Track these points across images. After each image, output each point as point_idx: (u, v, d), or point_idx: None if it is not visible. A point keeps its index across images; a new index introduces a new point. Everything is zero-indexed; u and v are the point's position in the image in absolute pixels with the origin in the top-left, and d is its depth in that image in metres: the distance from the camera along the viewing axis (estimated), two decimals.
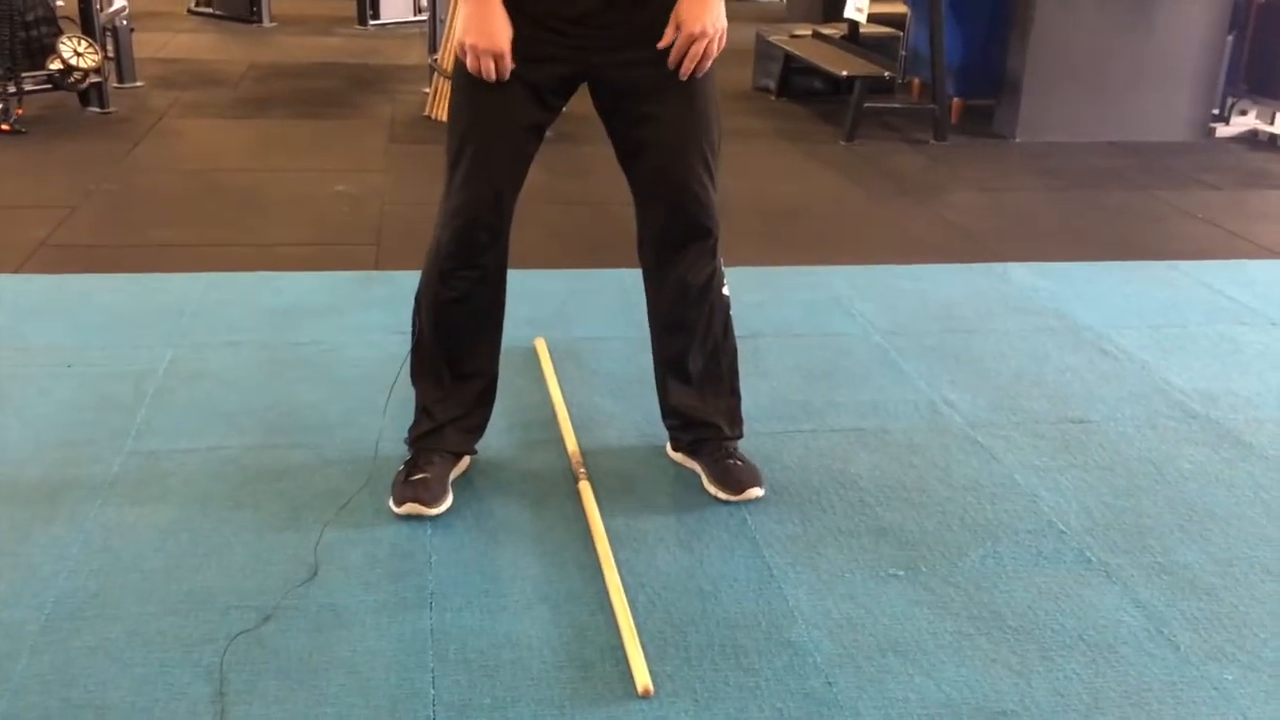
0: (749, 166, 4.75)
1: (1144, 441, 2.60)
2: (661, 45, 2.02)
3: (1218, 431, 2.66)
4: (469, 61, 2.00)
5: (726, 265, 2.29)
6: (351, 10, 7.92)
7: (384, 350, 2.86)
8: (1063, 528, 2.24)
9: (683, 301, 2.23)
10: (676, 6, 2.01)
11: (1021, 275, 3.67)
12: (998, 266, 3.74)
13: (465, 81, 2.07)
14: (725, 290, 2.28)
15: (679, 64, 2.04)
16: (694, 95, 2.10)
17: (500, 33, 1.97)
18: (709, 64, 2.05)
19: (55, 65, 4.84)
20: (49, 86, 4.94)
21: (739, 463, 2.31)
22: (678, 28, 2.01)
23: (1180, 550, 2.18)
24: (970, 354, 3.06)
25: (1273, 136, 5.49)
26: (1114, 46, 5.36)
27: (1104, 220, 4.36)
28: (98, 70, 4.98)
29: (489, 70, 1.99)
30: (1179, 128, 5.52)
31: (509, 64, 1.99)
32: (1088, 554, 2.16)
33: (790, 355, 3.00)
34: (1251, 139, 5.59)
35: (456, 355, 2.23)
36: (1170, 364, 3.03)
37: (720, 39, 2.04)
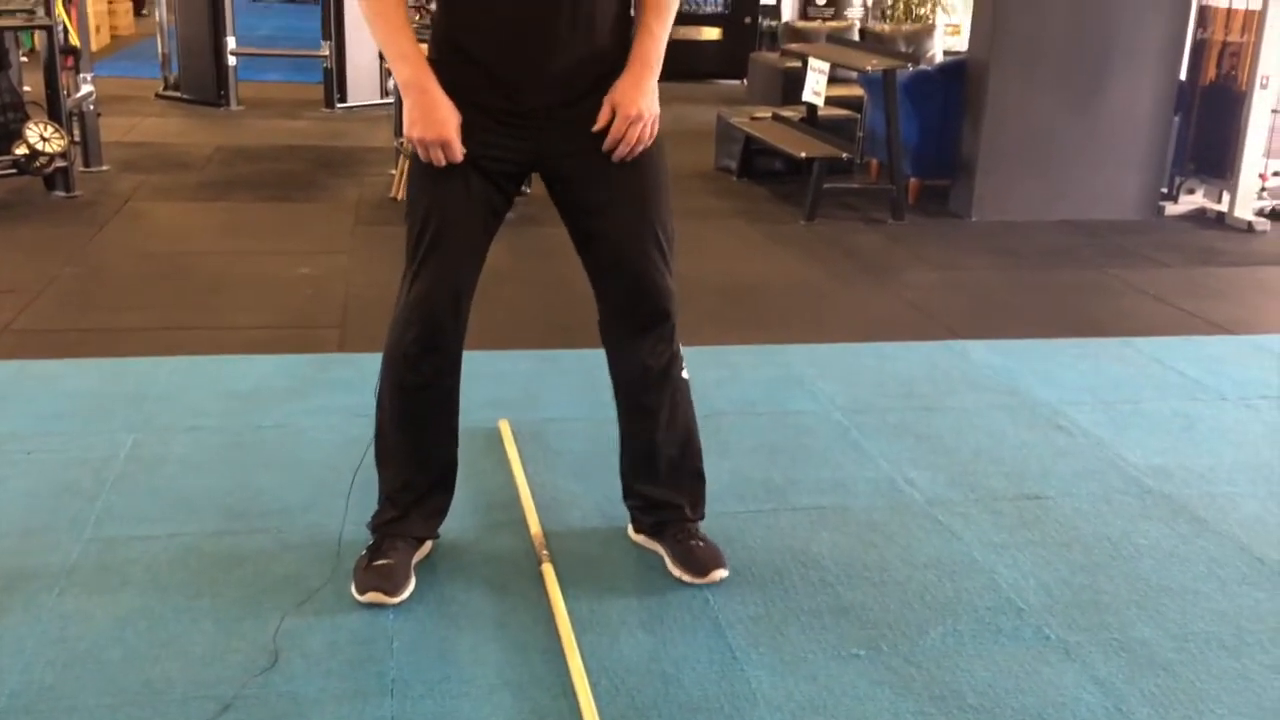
0: (711, 246, 4.82)
1: (1100, 517, 2.64)
2: (597, 128, 2.07)
3: (1172, 507, 2.71)
4: (419, 153, 2.05)
5: (689, 344, 2.33)
6: (319, 93, 8.01)
7: (347, 433, 2.87)
8: (1021, 605, 2.26)
9: (643, 385, 2.26)
10: (611, 89, 2.07)
11: (979, 352, 3.73)
12: (956, 344, 3.81)
13: (420, 171, 2.11)
14: (685, 374, 2.31)
15: (621, 178, 2.10)
16: (643, 181, 2.15)
17: (445, 121, 2.02)
18: (641, 148, 2.10)
19: (21, 150, 4.86)
20: (14, 172, 4.95)
21: (701, 544, 2.32)
22: (613, 110, 2.07)
23: (1138, 626, 2.20)
24: (930, 431, 3.11)
25: (1220, 214, 5.64)
26: (1064, 128, 5.51)
27: (1058, 298, 4.45)
28: (64, 155, 5.01)
29: (438, 158, 2.03)
30: (1129, 206, 5.66)
31: (458, 149, 2.04)
32: (1046, 631, 2.18)
33: (751, 434, 3.03)
34: (1200, 217, 5.74)
35: (418, 440, 2.24)
36: (1125, 440, 3.09)
37: (654, 124, 2.10)
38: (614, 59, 2.10)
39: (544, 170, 2.17)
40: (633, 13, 2.13)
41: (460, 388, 2.27)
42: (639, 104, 2.06)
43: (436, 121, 2.02)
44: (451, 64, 2.06)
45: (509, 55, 2.04)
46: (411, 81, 2.02)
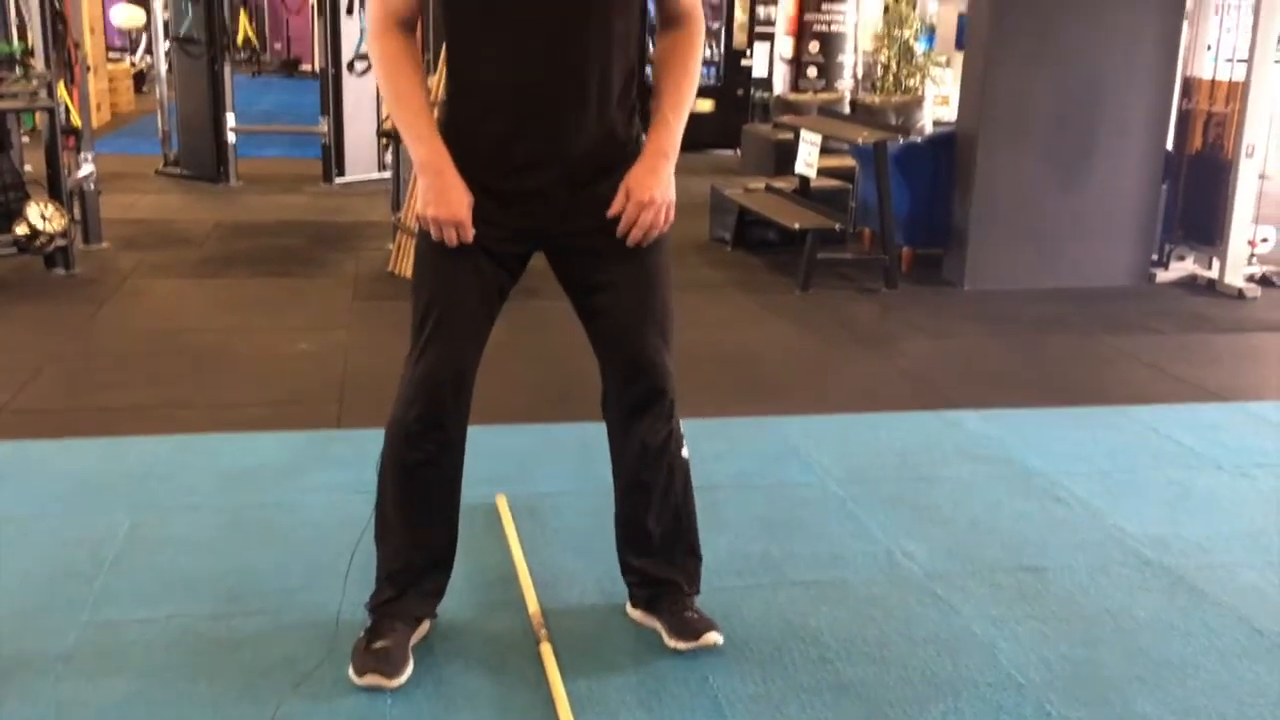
0: (706, 317, 4.85)
1: (1098, 590, 2.64)
2: (611, 213, 2.11)
3: (1170, 578, 2.71)
4: (433, 232, 2.08)
5: (686, 416, 2.34)
6: (317, 168, 8.10)
7: (345, 512, 2.86)
8: (1022, 680, 2.25)
9: (642, 463, 2.28)
10: (627, 175, 2.11)
11: (974, 422, 3.75)
12: (951, 413, 3.83)
13: (427, 250, 2.14)
14: (684, 451, 2.32)
15: (628, 267, 2.13)
16: (646, 263, 2.18)
17: (459, 201, 2.06)
18: (656, 234, 2.13)
19: (22, 230, 4.91)
20: (14, 251, 5.00)
21: (695, 614, 2.32)
22: (627, 195, 2.10)
23: (1139, 701, 2.20)
24: (926, 502, 3.11)
25: (1211, 281, 5.69)
26: (1054, 197, 5.58)
27: (1052, 366, 4.48)
28: (64, 233, 5.06)
29: (451, 238, 2.06)
30: (1120, 274, 5.71)
31: (470, 230, 2.07)
32: (1047, 707, 2.17)
33: (748, 507, 3.04)
34: (1191, 284, 5.79)
35: (418, 520, 2.25)
36: (1121, 510, 3.09)
37: (669, 211, 2.13)
38: (623, 140, 2.14)
39: (548, 248, 2.20)
40: (650, 99, 2.17)
41: (462, 467, 2.28)
42: (653, 190, 2.10)
43: (451, 202, 2.05)
44: (460, 144, 2.10)
45: (517, 135, 2.08)
46: (428, 163, 2.06)
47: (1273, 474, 3.37)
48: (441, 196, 2.05)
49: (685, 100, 2.15)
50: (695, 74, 2.17)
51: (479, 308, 2.16)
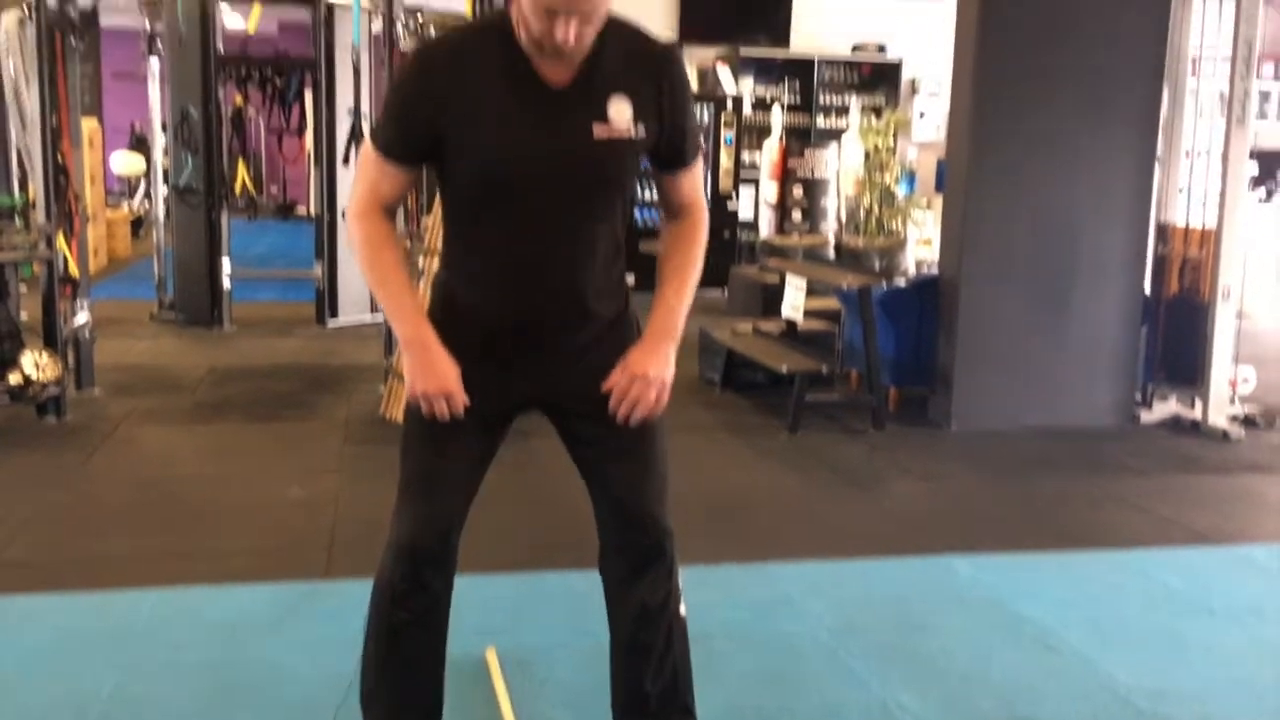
0: (696, 460, 4.87)
1: None
2: (606, 388, 2.11)
3: None
4: (424, 407, 2.08)
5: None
6: (311, 311, 8.20)
7: (330, 668, 2.83)
8: None
9: (641, 623, 2.26)
10: (627, 353, 2.13)
11: (965, 567, 3.75)
12: (942, 559, 3.82)
13: (415, 417, 2.15)
14: (683, 609, 2.32)
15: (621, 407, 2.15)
16: (641, 431, 2.20)
17: (448, 374, 2.07)
18: (645, 412, 2.11)
19: (15, 379, 4.95)
20: (7, 399, 5.02)
21: None
22: (623, 370, 2.11)
23: None
24: (919, 652, 3.09)
25: (1194, 422, 5.75)
26: (1036, 340, 5.67)
27: (1041, 509, 4.49)
28: (57, 382, 5.09)
29: (442, 411, 2.07)
30: (1105, 414, 5.77)
31: (462, 399, 2.08)
32: None
33: (742, 658, 3.01)
34: (1175, 424, 5.84)
35: (404, 683, 2.23)
36: (1114, 658, 3.07)
37: (664, 390, 2.13)
38: (613, 309, 2.18)
39: (542, 409, 2.23)
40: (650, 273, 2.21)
41: (448, 626, 2.27)
42: (649, 366, 2.10)
43: (439, 374, 2.06)
44: (453, 310, 2.14)
45: (511, 311, 2.12)
46: (413, 339, 2.07)
47: (1265, 620, 3.36)
48: (429, 370, 2.06)
49: (689, 286, 2.19)
50: (699, 262, 2.21)
51: (466, 472, 2.17)
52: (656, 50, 2.11)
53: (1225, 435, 5.55)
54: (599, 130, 2.02)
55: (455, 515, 2.16)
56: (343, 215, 7.45)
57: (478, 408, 2.13)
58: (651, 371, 2.10)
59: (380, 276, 2.10)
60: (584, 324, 2.14)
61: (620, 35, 2.06)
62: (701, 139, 2.25)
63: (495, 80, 2.00)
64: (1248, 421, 5.71)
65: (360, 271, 2.14)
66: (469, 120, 2.00)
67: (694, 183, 2.22)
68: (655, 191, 2.25)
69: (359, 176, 2.13)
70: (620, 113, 2.03)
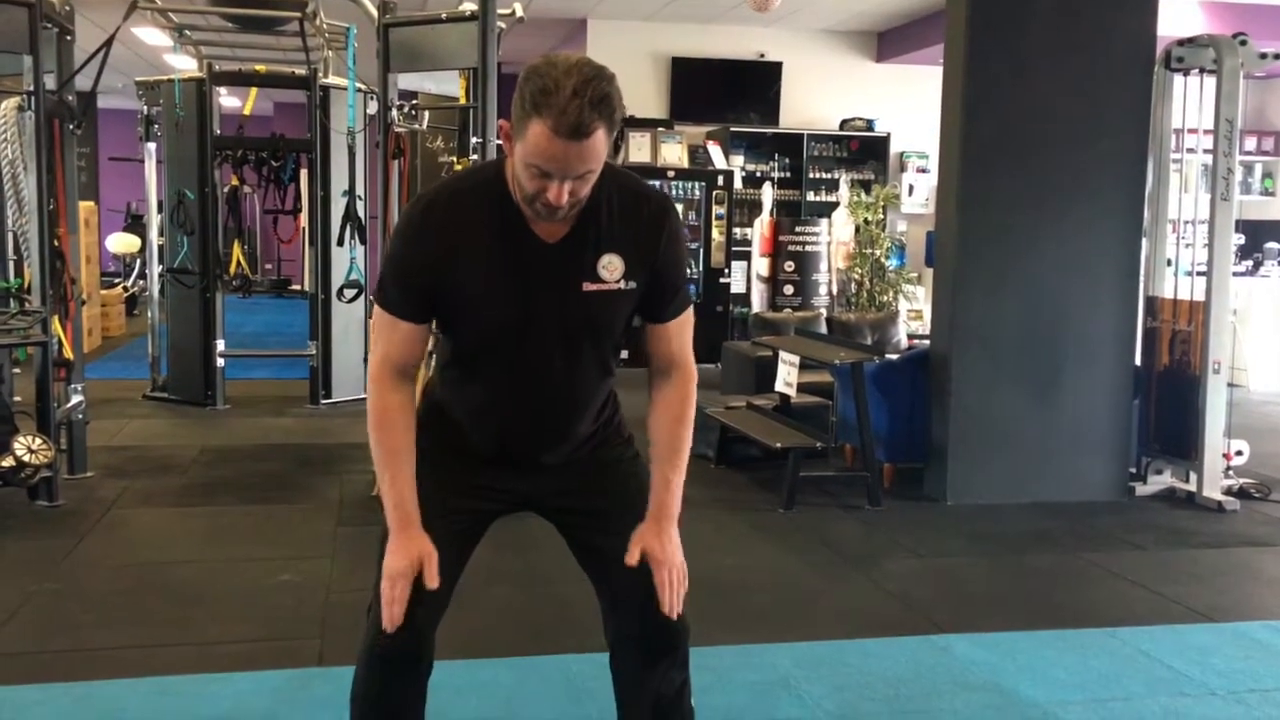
0: (690, 539, 4.77)
1: None
2: (629, 563, 2.11)
3: None
4: (384, 587, 2.05)
5: None
6: (304, 389, 8.19)
7: None
8: None
9: (652, 714, 2.24)
10: (639, 535, 2.13)
11: (964, 647, 3.71)
12: (940, 639, 3.79)
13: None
14: (692, 700, 2.30)
15: (615, 491, 2.20)
16: (633, 506, 2.21)
17: (422, 549, 2.05)
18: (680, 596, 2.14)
19: (7, 462, 4.92)
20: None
21: None
22: (642, 556, 2.11)
23: None
24: None
25: (1190, 494, 5.74)
26: (1029, 414, 5.69)
27: (1038, 586, 4.47)
28: (50, 465, 5.07)
29: (402, 596, 2.03)
30: (1100, 488, 5.76)
31: (433, 574, 2.05)
32: None
33: None
34: (1170, 496, 5.83)
35: None
36: None
37: (682, 571, 2.15)
38: (600, 429, 2.24)
39: (530, 509, 2.25)
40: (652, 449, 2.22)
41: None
42: (675, 553, 2.13)
43: (409, 553, 2.04)
44: (441, 423, 2.18)
45: (500, 442, 2.18)
46: (397, 521, 2.07)
47: (1268, 700, 3.33)
48: (404, 547, 2.05)
49: (683, 459, 2.19)
50: (690, 430, 2.20)
51: (447, 572, 2.14)
52: (652, 205, 2.11)
53: (1220, 507, 5.55)
54: (589, 286, 2.05)
55: (432, 616, 2.13)
56: (338, 294, 7.50)
57: (462, 509, 2.13)
58: (678, 557, 2.14)
59: (387, 451, 2.09)
60: (572, 445, 2.20)
61: (616, 187, 2.07)
62: (691, 293, 2.25)
63: (491, 241, 2.02)
64: (1242, 494, 5.71)
65: (370, 438, 2.12)
66: (465, 283, 2.03)
67: (682, 338, 2.19)
68: (642, 342, 2.21)
69: (375, 337, 2.13)
70: (611, 270, 2.05)
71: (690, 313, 2.21)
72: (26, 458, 4.94)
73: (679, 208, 10.26)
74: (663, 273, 2.12)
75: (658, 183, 10.25)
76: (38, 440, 5.04)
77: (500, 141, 2.03)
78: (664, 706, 2.23)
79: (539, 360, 2.09)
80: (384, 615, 2.04)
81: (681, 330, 2.19)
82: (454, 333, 2.13)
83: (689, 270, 2.25)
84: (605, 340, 2.14)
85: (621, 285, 2.07)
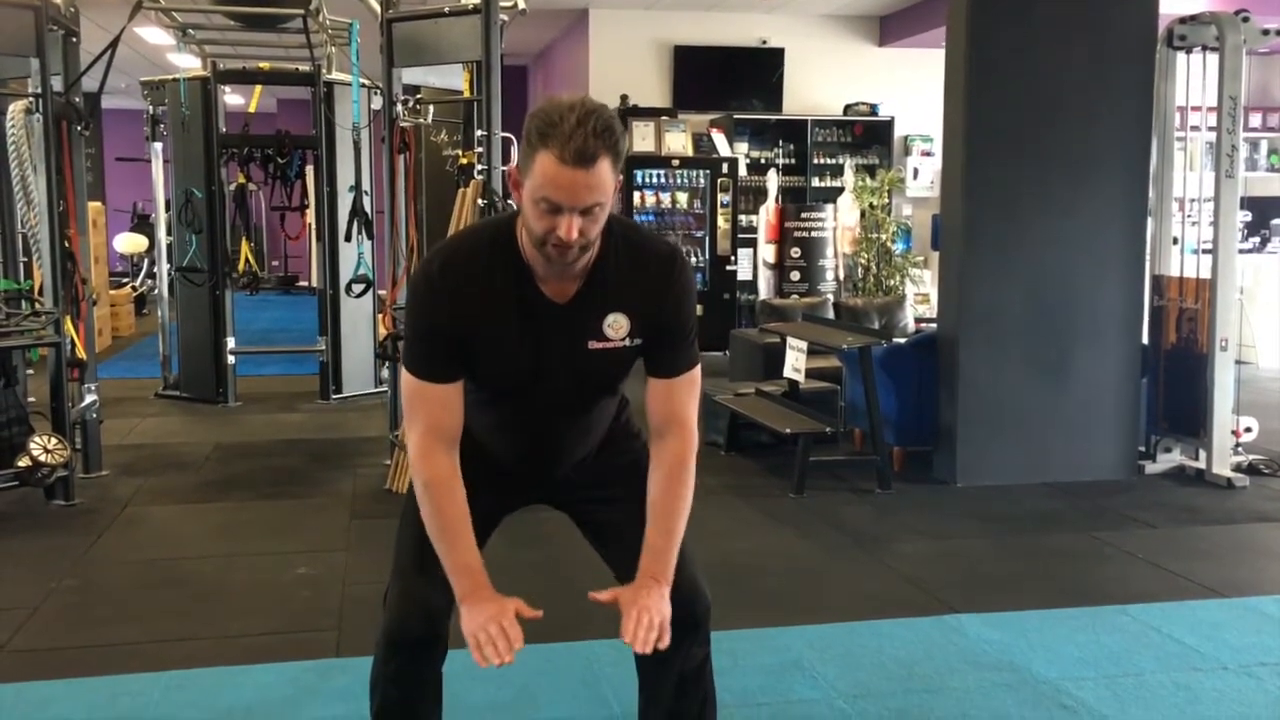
0: (703, 525, 4.84)
1: None
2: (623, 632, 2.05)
3: None
4: (476, 653, 1.98)
5: None
6: (315, 384, 8.23)
7: None
8: None
9: (677, 690, 2.28)
10: (631, 595, 2.08)
11: (976, 627, 3.74)
12: (952, 619, 3.82)
13: (414, 510, 2.16)
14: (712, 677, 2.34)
15: (626, 478, 2.25)
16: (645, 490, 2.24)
17: (504, 609, 2.02)
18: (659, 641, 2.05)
19: (24, 462, 4.97)
20: (15, 484, 5.04)
21: None
22: (636, 615, 2.04)
23: None
24: (933, 716, 3.08)
25: (1199, 472, 5.75)
26: (1036, 395, 5.70)
27: (1050, 565, 4.49)
28: (65, 465, 5.12)
29: (503, 649, 1.98)
30: (1109, 468, 5.78)
31: (517, 629, 2.00)
32: None
33: None
34: (1180, 474, 5.85)
35: None
36: (1130, 717, 3.07)
37: (664, 626, 2.06)
38: (614, 428, 2.34)
39: (547, 500, 2.30)
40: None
41: (442, 708, 2.28)
42: (662, 609, 2.05)
43: (491, 615, 2.00)
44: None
45: (518, 458, 2.27)
46: (469, 595, 2.04)
47: (1277, 673, 3.35)
48: (481, 610, 2.01)
49: (677, 525, 2.15)
50: (688, 495, 2.16)
51: None
52: (661, 262, 2.12)
53: (1230, 484, 5.56)
54: (594, 345, 2.09)
55: (448, 602, 2.15)
56: (346, 289, 7.52)
57: (477, 501, 2.17)
58: (661, 608, 2.06)
59: (442, 526, 2.07)
60: (584, 456, 2.30)
61: (623, 242, 2.09)
62: (697, 349, 2.24)
63: (501, 303, 2.05)
64: (1251, 470, 5.72)
65: (423, 515, 2.10)
66: (477, 342, 2.07)
67: (685, 396, 2.15)
68: (646, 400, 2.18)
69: (410, 413, 2.11)
70: (617, 329, 2.08)
71: (697, 373, 2.17)
72: (42, 458, 4.99)
73: (683, 196, 10.35)
74: (667, 326, 2.13)
75: (662, 171, 10.28)
76: (53, 440, 5.08)
77: (510, 187, 2.05)
78: (685, 682, 2.27)
79: (551, 402, 2.16)
80: (488, 654, 1.95)
81: (685, 389, 2.15)
82: (468, 378, 2.16)
83: (695, 329, 2.22)
84: (612, 385, 2.23)
85: (626, 343, 2.11)
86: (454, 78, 6.56)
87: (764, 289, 10.00)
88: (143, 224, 14.77)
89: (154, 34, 10.61)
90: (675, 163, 10.26)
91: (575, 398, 2.18)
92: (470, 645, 1.97)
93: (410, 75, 6.20)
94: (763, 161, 11.23)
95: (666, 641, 2.03)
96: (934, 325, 6.42)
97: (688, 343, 2.16)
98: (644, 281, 2.09)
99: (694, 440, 2.17)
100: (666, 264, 2.12)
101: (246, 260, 8.22)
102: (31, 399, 5.85)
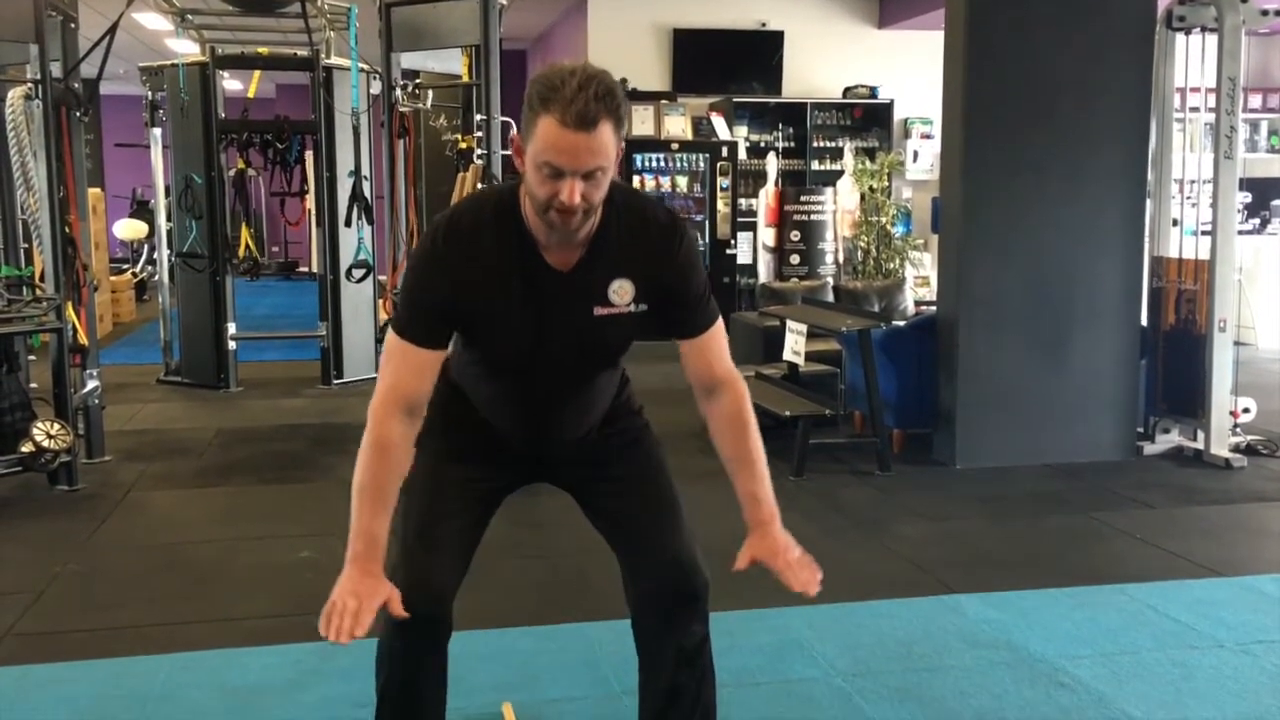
0: (704, 507, 4.85)
1: None
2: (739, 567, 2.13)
3: None
4: (333, 617, 1.94)
5: None
6: (316, 370, 8.25)
7: None
8: None
9: (678, 666, 2.29)
10: (755, 550, 2.16)
11: (974, 606, 3.77)
12: (951, 599, 3.84)
13: (416, 481, 2.16)
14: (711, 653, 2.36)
15: (627, 457, 2.27)
16: (648, 458, 2.27)
17: (374, 590, 1.97)
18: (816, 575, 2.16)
19: (27, 448, 4.99)
20: (19, 469, 5.07)
21: None
22: (781, 564, 2.14)
23: None
24: (931, 694, 3.11)
25: (1197, 452, 5.78)
26: (1037, 377, 5.72)
27: (1048, 545, 4.51)
28: (68, 450, 5.14)
29: (353, 618, 1.93)
30: (1108, 449, 5.80)
31: (368, 618, 1.94)
32: None
33: (755, 707, 3.03)
34: (1178, 455, 5.87)
35: None
36: (1127, 694, 3.09)
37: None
38: (615, 403, 2.33)
39: (549, 478, 2.31)
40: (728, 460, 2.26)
41: (447, 687, 2.30)
42: (790, 547, 2.15)
43: (364, 592, 1.96)
44: (457, 405, 2.23)
45: (517, 432, 2.25)
46: (361, 562, 2.00)
47: (1274, 651, 3.38)
48: (360, 587, 1.97)
49: (760, 468, 2.20)
50: (756, 437, 2.22)
51: (463, 538, 2.21)
52: (662, 229, 2.13)
53: (1228, 464, 5.58)
54: (600, 310, 2.09)
55: (451, 580, 2.18)
56: (347, 274, 7.54)
57: (479, 476, 2.18)
58: (793, 549, 2.15)
59: (368, 482, 2.03)
60: (586, 430, 2.29)
61: (625, 212, 2.11)
62: (715, 304, 2.25)
63: (504, 271, 2.06)
64: (1249, 450, 5.75)
65: (357, 468, 2.06)
66: (479, 311, 2.08)
67: (717, 348, 2.19)
68: (682, 367, 2.21)
69: (384, 368, 2.11)
70: (622, 294, 2.09)
71: (721, 325, 2.21)
72: (46, 443, 5.01)
73: (683, 180, 10.35)
74: (677, 289, 2.14)
75: (661, 155, 10.28)
76: (56, 426, 5.10)
77: (512, 154, 2.05)
78: (684, 660, 2.29)
79: (553, 373, 2.16)
80: (332, 629, 1.92)
81: (716, 343, 2.19)
82: (472, 347, 2.18)
83: (708, 288, 2.24)
84: (617, 352, 2.22)
85: (632, 309, 2.11)
86: (453, 62, 6.57)
87: (764, 272, 10.00)
88: (142, 210, 14.76)
89: (152, 19, 10.60)
90: (674, 146, 10.26)
91: (578, 369, 2.18)
92: (326, 608, 1.94)
93: (409, 60, 6.21)
94: (762, 145, 11.22)
95: (816, 572, 2.12)
96: (934, 308, 6.43)
97: (704, 301, 2.18)
98: (646, 248, 2.11)
99: (741, 385, 2.21)
100: (668, 231, 2.14)
101: (247, 246, 8.23)
102: (34, 385, 5.88)
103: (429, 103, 6.40)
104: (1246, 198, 9.51)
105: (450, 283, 2.05)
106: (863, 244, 10.08)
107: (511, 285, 2.06)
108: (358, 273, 7.21)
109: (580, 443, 2.30)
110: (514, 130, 2.03)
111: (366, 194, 7.46)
